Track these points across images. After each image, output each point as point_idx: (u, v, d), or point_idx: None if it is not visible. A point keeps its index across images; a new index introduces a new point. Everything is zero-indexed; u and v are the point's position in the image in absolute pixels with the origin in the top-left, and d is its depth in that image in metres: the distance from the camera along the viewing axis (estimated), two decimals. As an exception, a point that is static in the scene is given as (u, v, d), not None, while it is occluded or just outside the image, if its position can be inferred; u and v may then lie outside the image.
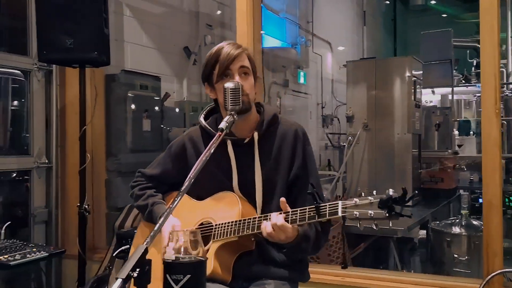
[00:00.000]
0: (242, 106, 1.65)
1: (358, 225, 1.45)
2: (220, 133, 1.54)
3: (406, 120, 3.79)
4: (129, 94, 3.68)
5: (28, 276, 3.00)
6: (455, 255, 2.86)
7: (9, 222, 2.91)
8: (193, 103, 4.43)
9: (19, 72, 3.20)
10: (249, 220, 1.63)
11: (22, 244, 2.77)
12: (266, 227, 1.54)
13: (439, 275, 2.70)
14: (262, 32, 3.13)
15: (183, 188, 1.36)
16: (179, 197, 1.33)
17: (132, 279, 1.06)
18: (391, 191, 1.41)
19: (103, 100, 3.52)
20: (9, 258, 2.53)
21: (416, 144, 4.00)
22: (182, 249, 1.11)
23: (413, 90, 3.80)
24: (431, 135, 5.04)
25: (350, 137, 3.91)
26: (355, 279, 2.51)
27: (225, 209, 1.72)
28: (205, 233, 1.72)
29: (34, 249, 2.70)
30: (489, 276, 2.16)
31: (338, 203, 1.46)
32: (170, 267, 1.10)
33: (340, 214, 1.44)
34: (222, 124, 1.57)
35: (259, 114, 1.84)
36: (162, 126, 3.95)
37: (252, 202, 1.75)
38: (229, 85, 1.62)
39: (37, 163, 3.19)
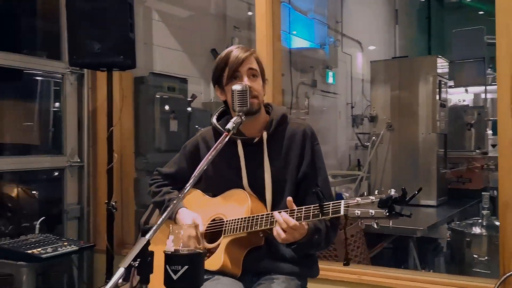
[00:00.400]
0: (250, 108, 1.72)
1: (360, 224, 1.49)
2: (227, 133, 1.63)
3: (430, 120, 3.77)
4: (157, 96, 3.81)
5: (60, 269, 3.17)
6: (475, 256, 2.84)
7: (43, 218, 3.09)
8: (220, 104, 4.50)
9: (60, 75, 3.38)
10: (257, 217, 1.69)
11: (55, 238, 2.94)
12: (280, 234, 1.59)
13: (454, 275, 2.70)
14: (283, 32, 3.19)
15: (187, 185, 1.44)
16: (183, 192, 1.41)
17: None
18: (392, 191, 1.46)
19: (132, 101, 3.67)
20: (41, 251, 2.69)
21: (442, 144, 3.97)
22: (181, 242, 1.19)
23: (438, 90, 3.78)
24: (463, 135, 4.96)
25: (373, 137, 3.91)
26: (369, 277, 2.54)
27: (236, 206, 1.79)
28: (217, 228, 1.81)
29: (66, 243, 2.86)
30: (505, 276, 2.16)
31: (341, 202, 1.51)
32: (169, 259, 1.19)
33: (342, 212, 1.49)
34: (229, 125, 1.65)
35: (268, 114, 1.91)
36: (189, 126, 4.07)
37: (263, 200, 1.82)
38: (236, 87, 1.70)
39: (69, 162, 3.37)
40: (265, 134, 1.83)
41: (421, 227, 2.92)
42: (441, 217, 3.34)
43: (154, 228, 1.22)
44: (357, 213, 1.45)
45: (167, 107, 3.84)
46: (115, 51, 2.81)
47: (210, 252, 1.77)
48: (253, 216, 1.70)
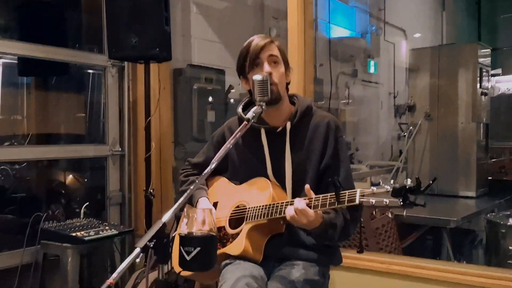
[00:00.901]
0: (271, 96, 1.77)
1: (374, 212, 1.51)
2: (246, 122, 1.68)
3: (470, 109, 3.67)
4: (195, 87, 3.92)
5: (103, 252, 3.35)
6: (510, 247, 2.77)
7: (87, 203, 3.27)
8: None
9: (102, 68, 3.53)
10: (277, 204, 1.74)
11: (98, 222, 3.11)
12: (289, 211, 1.64)
13: (485, 266, 2.65)
14: (323, 21, 3.18)
15: (205, 172, 1.51)
16: (202, 178, 1.48)
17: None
18: (409, 181, 1.47)
19: (170, 93, 3.78)
20: (85, 234, 2.86)
21: (483, 134, 3.85)
22: (195, 225, 1.26)
23: (479, 78, 3.67)
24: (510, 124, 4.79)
25: (411, 127, 3.86)
26: (398, 266, 2.54)
27: (258, 193, 1.85)
28: (240, 215, 1.87)
29: (107, 228, 3.02)
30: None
31: (356, 191, 1.54)
32: (183, 240, 1.26)
33: (357, 201, 1.51)
34: (249, 114, 1.70)
35: (293, 105, 1.94)
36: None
37: (285, 188, 1.87)
38: (257, 77, 1.75)
39: (111, 151, 3.53)
40: (288, 124, 1.86)
41: (454, 218, 2.87)
42: (479, 209, 3.26)
43: (170, 210, 1.30)
44: (372, 202, 1.47)
45: (210, 99, 3.95)
46: (152, 44, 2.91)
47: (233, 237, 1.84)
48: (274, 204, 1.75)
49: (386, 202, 1.44)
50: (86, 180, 3.72)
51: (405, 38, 7.28)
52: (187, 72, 3.92)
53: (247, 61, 1.85)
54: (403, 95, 7.21)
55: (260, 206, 1.79)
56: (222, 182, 2.06)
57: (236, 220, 1.88)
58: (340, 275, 2.73)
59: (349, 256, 2.74)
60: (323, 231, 1.73)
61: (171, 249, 1.74)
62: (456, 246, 3.05)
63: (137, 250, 1.19)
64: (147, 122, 3.10)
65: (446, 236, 2.93)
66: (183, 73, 3.91)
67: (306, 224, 1.65)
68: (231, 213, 1.91)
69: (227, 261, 1.82)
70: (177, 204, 1.36)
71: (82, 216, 3.21)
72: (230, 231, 1.86)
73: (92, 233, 2.90)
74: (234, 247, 1.80)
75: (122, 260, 3.49)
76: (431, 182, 1.44)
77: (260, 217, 1.77)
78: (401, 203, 1.41)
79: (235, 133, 1.65)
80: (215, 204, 1.98)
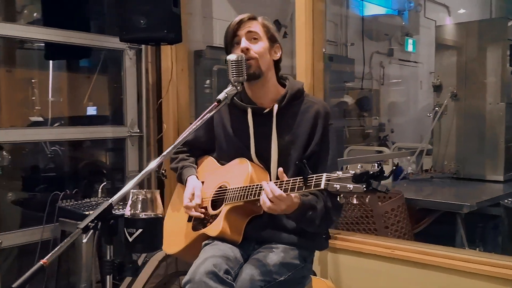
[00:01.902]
0: (247, 71, 1.74)
1: (338, 198, 1.45)
2: (217, 103, 1.66)
3: (499, 89, 3.45)
4: (214, 69, 3.92)
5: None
6: (525, 235, 2.60)
7: (104, 183, 3.36)
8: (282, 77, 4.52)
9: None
10: (253, 187, 1.72)
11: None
12: (265, 202, 1.61)
13: (496, 254, 2.50)
14: None
15: (171, 146, 1.51)
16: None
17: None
18: (376, 166, 1.40)
19: (188, 74, 3.79)
20: (97, 212, 2.96)
21: (512, 115, 3.62)
22: (139, 207, 1.27)
23: (509, 55, 3.43)
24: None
25: (436, 108, 3.68)
26: (402, 252, 2.46)
27: (238, 174, 1.84)
28: (221, 196, 1.87)
29: (120, 207, 3.10)
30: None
31: (323, 175, 1.49)
32: (126, 222, 1.27)
33: (322, 186, 1.47)
34: (221, 95, 1.68)
35: (283, 87, 1.90)
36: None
37: (269, 170, 1.84)
38: (231, 57, 1.72)
39: (130, 132, 3.61)
40: (275, 107, 1.83)
41: (467, 202, 2.73)
42: (504, 193, 3.08)
43: (118, 193, 1.31)
44: (337, 187, 1.42)
45: (222, 79, 3.93)
46: (160, 25, 2.92)
47: (212, 218, 1.84)
48: (250, 186, 1.73)
49: (350, 188, 1.39)
50: (106, 160, 3.83)
51: (448, 14, 6.93)
52: (207, 53, 3.92)
53: (228, 40, 1.83)
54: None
55: (238, 188, 1.78)
56: (209, 162, 2.06)
57: (218, 201, 1.88)
58: (343, 259, 2.69)
59: (352, 239, 2.69)
60: (302, 214, 1.69)
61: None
62: (474, 232, 2.90)
63: (78, 231, 1.21)
64: (158, 103, 3.13)
65: (460, 221, 2.79)
66: (203, 55, 3.92)
67: (284, 209, 1.62)
68: (214, 194, 1.90)
69: (207, 241, 1.83)
70: (126, 188, 1.37)
71: (99, 195, 3.32)
72: (211, 212, 1.87)
73: (105, 211, 2.98)
74: (212, 228, 1.80)
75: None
76: (394, 167, 1.38)
77: (237, 199, 1.76)
78: (364, 189, 1.35)
79: (204, 113, 1.64)
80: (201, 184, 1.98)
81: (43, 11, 3.55)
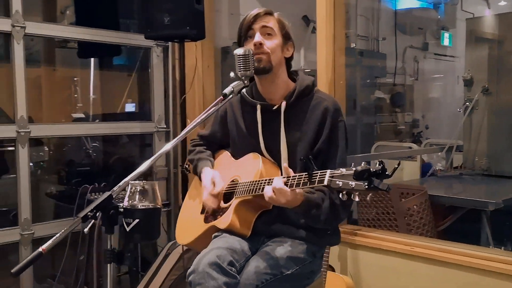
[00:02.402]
0: (258, 65, 1.75)
1: (340, 195, 1.43)
2: (223, 97, 1.68)
3: (534, 82, 3.31)
4: (240, 65, 3.94)
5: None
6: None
7: (153, 181, 3.46)
8: (309, 72, 4.50)
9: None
10: (261, 181, 1.73)
11: (140, 196, 3.29)
12: (267, 192, 1.62)
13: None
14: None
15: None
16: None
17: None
18: (378, 164, 1.38)
19: (215, 70, 3.84)
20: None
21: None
22: (136, 198, 1.31)
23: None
24: None
25: (467, 103, 3.57)
26: (421, 249, 2.42)
27: (248, 169, 1.85)
28: (232, 189, 1.89)
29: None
30: None
31: (326, 172, 1.48)
32: (124, 212, 1.31)
33: (326, 182, 1.46)
34: (227, 89, 1.70)
35: (294, 82, 1.90)
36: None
37: (280, 166, 1.84)
38: (238, 51, 1.73)
39: (157, 128, 3.69)
40: (283, 104, 1.83)
41: (492, 200, 2.64)
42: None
43: (119, 184, 1.35)
44: (339, 184, 1.41)
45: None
46: (182, 22, 2.98)
47: (223, 211, 1.86)
48: (258, 181, 1.74)
49: (352, 185, 1.37)
50: (136, 155, 3.93)
51: (487, 7, 6.68)
52: (233, 50, 3.93)
53: (242, 32, 1.84)
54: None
55: (247, 182, 1.80)
56: (224, 156, 2.09)
57: (230, 194, 1.90)
58: (363, 255, 2.66)
59: (372, 236, 2.66)
60: (306, 211, 1.69)
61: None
62: (501, 231, 2.80)
63: (78, 219, 1.26)
64: (182, 99, 3.19)
65: (486, 219, 2.70)
66: (229, 51, 3.94)
67: (285, 203, 1.62)
68: (227, 187, 1.93)
69: (216, 233, 1.86)
70: (126, 179, 1.40)
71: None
72: (223, 205, 1.89)
73: (129, 205, 3.08)
74: (222, 221, 1.83)
75: (168, 231, 3.69)
76: (396, 166, 1.36)
77: (246, 193, 1.77)
78: (366, 186, 1.33)
79: (209, 107, 1.66)
80: None
81: (79, 11, 3.69)
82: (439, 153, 3.83)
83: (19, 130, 2.93)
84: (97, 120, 4.00)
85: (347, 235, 2.69)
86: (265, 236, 1.86)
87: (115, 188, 1.34)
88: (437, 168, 3.64)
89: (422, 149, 4.19)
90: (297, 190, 1.61)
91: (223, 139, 2.08)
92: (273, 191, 1.60)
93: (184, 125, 3.21)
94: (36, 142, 3.73)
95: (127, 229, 1.30)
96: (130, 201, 1.32)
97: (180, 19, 2.98)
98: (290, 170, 1.63)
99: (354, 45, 4.91)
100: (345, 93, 2.89)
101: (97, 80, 4.21)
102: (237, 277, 1.63)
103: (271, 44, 1.81)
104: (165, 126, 3.72)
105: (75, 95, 4.40)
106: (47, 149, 3.97)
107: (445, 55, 6.16)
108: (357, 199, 1.40)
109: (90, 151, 3.99)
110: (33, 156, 3.86)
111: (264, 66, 1.79)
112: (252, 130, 1.90)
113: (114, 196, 1.29)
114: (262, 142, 1.87)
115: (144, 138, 3.81)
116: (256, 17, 1.83)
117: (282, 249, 1.76)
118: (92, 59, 4.12)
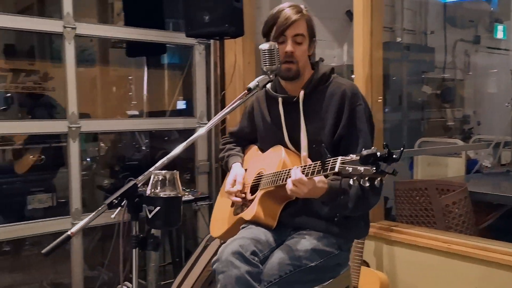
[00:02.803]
0: (286, 74, 1.79)
1: (352, 181, 1.44)
2: (247, 92, 1.72)
3: None
4: (282, 61, 3.97)
5: (187, 215, 3.66)
6: None
7: (174, 171, 3.57)
8: (352, 67, 4.46)
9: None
10: (283, 172, 1.77)
11: (182, 189, 3.40)
12: (288, 185, 1.65)
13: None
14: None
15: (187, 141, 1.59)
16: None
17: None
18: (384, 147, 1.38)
19: (256, 67, 3.88)
20: (164, 198, 3.17)
21: None
22: (158, 187, 1.38)
23: None
24: None
25: (516, 97, 3.42)
26: (459, 246, 2.36)
27: (273, 161, 1.90)
28: (258, 181, 1.94)
29: (186, 193, 3.30)
30: None
31: (338, 159, 1.49)
32: (146, 200, 1.38)
33: (337, 169, 1.47)
34: (252, 84, 1.74)
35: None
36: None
37: None
38: (263, 46, 1.76)
39: (199, 124, 3.78)
40: (301, 93, 1.86)
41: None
42: None
43: (144, 173, 1.43)
44: (349, 170, 1.42)
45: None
46: (222, 20, 3.04)
47: (249, 203, 1.91)
48: (280, 171, 1.78)
49: (361, 170, 1.38)
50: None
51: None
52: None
53: (272, 32, 1.86)
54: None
55: (271, 174, 1.84)
56: (253, 151, 2.14)
57: (257, 186, 1.95)
58: (399, 252, 2.63)
59: (408, 232, 2.63)
60: (332, 199, 1.71)
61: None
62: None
63: (103, 207, 1.35)
64: (221, 95, 3.26)
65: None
66: (270, 48, 3.98)
67: (307, 193, 1.65)
68: (253, 180, 1.98)
69: (244, 225, 1.91)
70: (147, 172, 1.47)
71: (171, 183, 3.53)
72: (249, 197, 1.94)
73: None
74: (248, 213, 1.88)
75: (208, 223, 3.79)
76: (402, 148, 1.37)
77: (269, 184, 1.81)
78: (374, 171, 1.34)
79: (234, 101, 1.71)
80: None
81: (128, 12, 3.85)
82: (487, 149, 3.69)
83: (70, 125, 3.10)
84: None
85: (383, 231, 2.67)
86: (291, 229, 1.89)
87: (139, 177, 1.42)
88: (483, 165, 3.51)
89: (466, 145, 4.06)
90: (317, 179, 1.62)
91: (252, 134, 2.13)
92: (293, 184, 1.62)
93: (223, 121, 3.28)
94: (93, 138, 3.98)
95: (149, 216, 1.37)
96: (153, 190, 1.40)
97: (219, 17, 3.04)
98: (308, 159, 1.65)
99: (400, 39, 4.81)
100: (382, 88, 2.86)
101: (150, 78, 4.38)
102: (259, 266, 1.67)
103: (301, 52, 1.84)
104: (206, 121, 3.81)
105: (130, 93, 4.61)
106: (103, 145, 4.19)
107: (499, 48, 5.90)
108: (367, 184, 1.39)
109: (143, 147, 4.17)
110: (90, 151, 4.11)
111: (293, 75, 1.84)
112: (276, 123, 1.94)
113: (138, 185, 1.37)
114: (286, 134, 1.90)
115: (183, 133, 3.93)
116: (290, 22, 1.82)
117: (306, 241, 1.78)
118: (145, 59, 4.31)
